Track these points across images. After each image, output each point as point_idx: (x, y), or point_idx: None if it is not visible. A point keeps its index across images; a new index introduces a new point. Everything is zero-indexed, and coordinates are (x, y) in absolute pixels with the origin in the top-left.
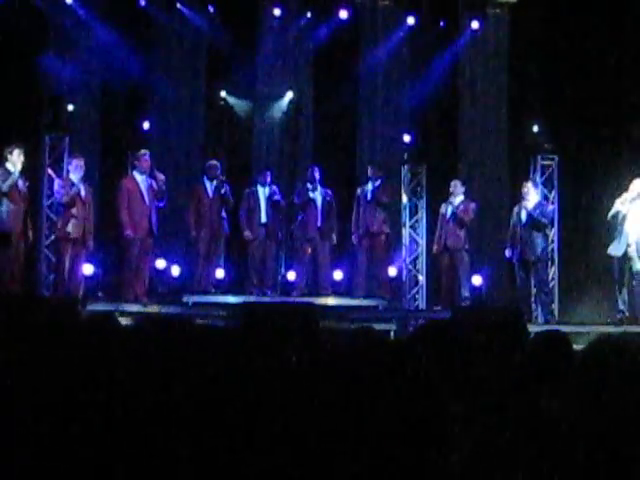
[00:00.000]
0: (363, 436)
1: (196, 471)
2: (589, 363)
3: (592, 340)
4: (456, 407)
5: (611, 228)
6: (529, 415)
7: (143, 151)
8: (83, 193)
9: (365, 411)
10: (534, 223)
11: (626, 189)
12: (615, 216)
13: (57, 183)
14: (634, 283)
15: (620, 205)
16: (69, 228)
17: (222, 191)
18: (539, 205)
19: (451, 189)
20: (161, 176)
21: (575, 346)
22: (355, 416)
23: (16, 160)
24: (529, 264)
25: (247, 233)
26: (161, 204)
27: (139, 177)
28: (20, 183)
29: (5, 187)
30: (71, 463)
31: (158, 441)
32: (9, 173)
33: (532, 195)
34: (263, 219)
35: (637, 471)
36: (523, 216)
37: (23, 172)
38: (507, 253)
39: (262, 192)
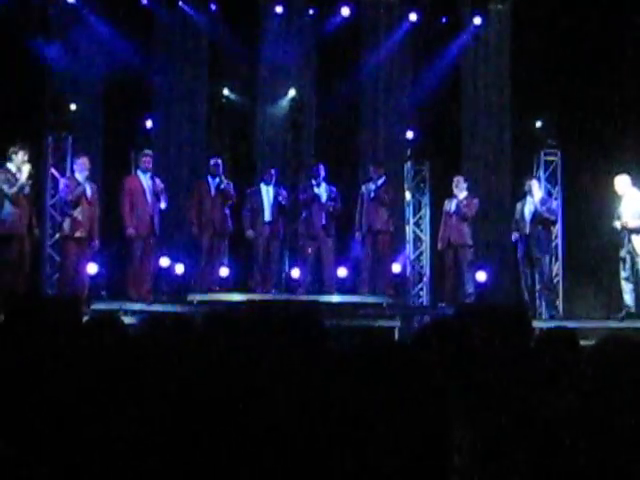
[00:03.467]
0: (364, 435)
1: (201, 462)
2: (598, 360)
3: (600, 337)
4: (460, 407)
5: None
6: (535, 413)
7: (146, 151)
8: (88, 192)
9: (367, 411)
10: (540, 219)
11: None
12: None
13: (62, 182)
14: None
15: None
16: (75, 228)
17: (222, 186)
18: (544, 201)
19: (454, 185)
20: (161, 184)
21: (581, 342)
22: (356, 416)
23: (20, 163)
24: (533, 260)
25: (250, 232)
26: (162, 207)
27: (142, 176)
28: (27, 185)
29: (11, 192)
30: (73, 459)
31: (161, 435)
32: (15, 178)
33: (536, 191)
34: (267, 218)
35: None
36: (527, 212)
37: (30, 177)
38: (513, 237)
39: (266, 191)
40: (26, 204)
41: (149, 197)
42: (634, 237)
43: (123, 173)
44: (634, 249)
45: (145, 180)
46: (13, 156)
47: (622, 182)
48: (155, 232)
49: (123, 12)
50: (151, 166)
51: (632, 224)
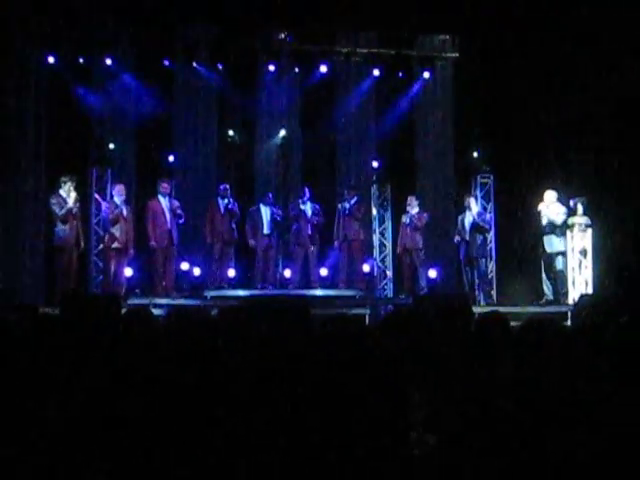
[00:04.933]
0: (342, 397)
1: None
2: (523, 338)
3: (525, 320)
4: (416, 375)
5: (546, 229)
6: (474, 380)
7: (164, 179)
8: (125, 212)
9: (343, 380)
10: (477, 228)
11: (541, 199)
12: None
13: (104, 205)
14: (558, 274)
15: (543, 209)
16: (114, 240)
17: (229, 206)
18: (480, 214)
19: (407, 202)
20: (176, 203)
21: (511, 323)
22: (335, 384)
23: (68, 190)
24: (472, 260)
25: (252, 242)
26: (180, 221)
27: (162, 199)
28: (74, 207)
29: (61, 214)
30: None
31: (185, 403)
32: (65, 201)
33: (474, 206)
34: (266, 231)
35: (557, 419)
36: (467, 223)
37: (76, 202)
38: (455, 240)
39: (264, 210)
40: (74, 222)
41: (168, 215)
42: (554, 238)
43: (150, 197)
44: (554, 248)
45: (164, 202)
46: (63, 185)
47: (551, 195)
48: (174, 242)
49: (150, 71)
50: (168, 191)
51: (556, 218)
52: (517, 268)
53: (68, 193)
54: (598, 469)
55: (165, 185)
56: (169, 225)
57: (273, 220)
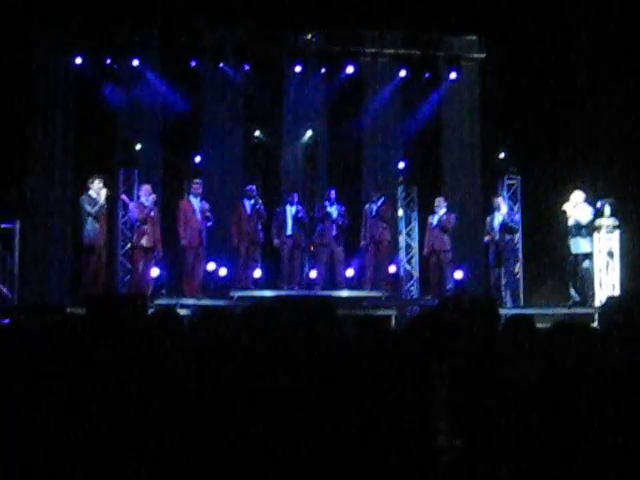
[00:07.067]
0: (367, 400)
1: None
2: (551, 340)
3: (553, 322)
4: (442, 378)
5: (572, 230)
6: (501, 382)
7: (196, 180)
8: (152, 213)
9: (371, 380)
10: (507, 228)
11: (567, 199)
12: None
13: (132, 205)
14: (584, 276)
15: (569, 209)
16: (142, 240)
17: (256, 207)
18: (510, 214)
19: (436, 204)
20: (206, 205)
21: (538, 325)
22: (364, 383)
23: (97, 188)
24: (502, 261)
25: (276, 241)
26: (208, 224)
27: (193, 199)
28: (105, 205)
29: (94, 211)
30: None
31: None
32: (95, 200)
33: (503, 206)
34: (289, 231)
35: (585, 424)
36: (496, 223)
37: (107, 199)
38: (485, 239)
39: (289, 210)
40: (104, 221)
41: (199, 216)
42: (580, 239)
43: (178, 198)
44: (580, 249)
45: (196, 203)
46: (90, 185)
47: (578, 195)
48: (203, 243)
49: (176, 71)
50: (200, 191)
51: (581, 219)
52: (544, 269)
53: (98, 191)
54: (627, 471)
55: (197, 185)
56: (199, 225)
57: (297, 220)
